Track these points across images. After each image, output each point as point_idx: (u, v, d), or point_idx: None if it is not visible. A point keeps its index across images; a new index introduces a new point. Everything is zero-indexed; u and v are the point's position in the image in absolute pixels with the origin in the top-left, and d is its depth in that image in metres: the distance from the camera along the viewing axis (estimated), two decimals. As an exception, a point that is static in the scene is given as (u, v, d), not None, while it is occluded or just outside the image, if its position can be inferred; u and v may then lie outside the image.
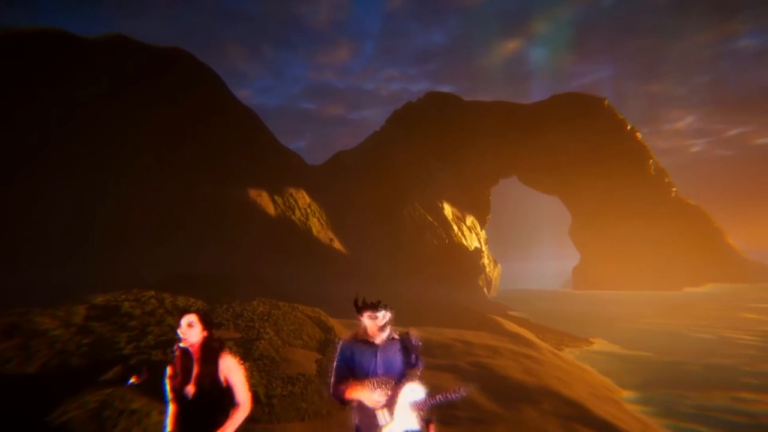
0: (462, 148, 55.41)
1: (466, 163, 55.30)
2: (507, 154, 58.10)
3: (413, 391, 2.79)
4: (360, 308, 3.03)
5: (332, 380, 2.91)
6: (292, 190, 38.13)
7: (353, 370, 2.89)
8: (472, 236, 53.25)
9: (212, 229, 30.38)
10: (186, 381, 2.97)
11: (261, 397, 8.33)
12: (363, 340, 2.97)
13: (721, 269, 55.17)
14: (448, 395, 2.86)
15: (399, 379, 2.85)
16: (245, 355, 9.72)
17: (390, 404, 2.74)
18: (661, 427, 12.29)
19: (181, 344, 2.95)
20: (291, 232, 34.51)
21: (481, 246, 54.16)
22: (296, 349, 12.17)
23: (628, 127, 61.63)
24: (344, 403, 2.86)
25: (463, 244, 49.03)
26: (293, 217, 35.80)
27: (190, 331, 2.97)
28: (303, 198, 38.68)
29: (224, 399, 2.95)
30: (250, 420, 3.01)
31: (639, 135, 62.57)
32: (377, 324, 2.96)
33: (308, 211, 37.95)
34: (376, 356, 2.90)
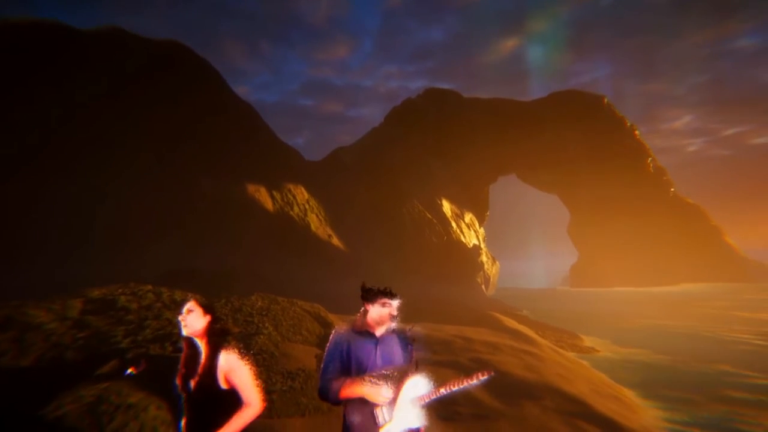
0: (461, 145, 55.26)
1: (465, 160, 55.16)
2: (506, 151, 57.99)
3: (416, 386, 2.60)
4: (373, 294, 2.80)
5: (320, 377, 2.66)
6: (291, 186, 37.92)
7: (348, 365, 2.66)
8: (471, 233, 53.17)
9: (211, 225, 30.17)
10: (191, 373, 2.80)
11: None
12: (362, 332, 2.76)
13: (719, 267, 55.31)
14: (452, 386, 2.68)
15: (400, 373, 2.65)
16: (243, 350, 9.58)
17: (391, 400, 2.55)
18: (663, 423, 12.21)
19: (185, 333, 2.78)
20: (289, 227, 34.32)
21: (479, 243, 54.09)
22: (295, 344, 12.03)
23: (628, 125, 61.62)
24: (336, 403, 2.61)
25: (462, 242, 48.95)
26: (291, 212, 35.60)
27: (191, 317, 2.78)
28: (301, 194, 38.48)
29: (224, 399, 2.73)
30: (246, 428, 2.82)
31: (638, 133, 62.60)
32: (390, 313, 2.76)
33: (307, 206, 37.76)
34: (375, 349, 2.70)
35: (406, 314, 3.11)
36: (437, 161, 53.38)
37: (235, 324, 12.34)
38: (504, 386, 12.00)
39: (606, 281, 57.64)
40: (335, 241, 37.84)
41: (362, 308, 2.83)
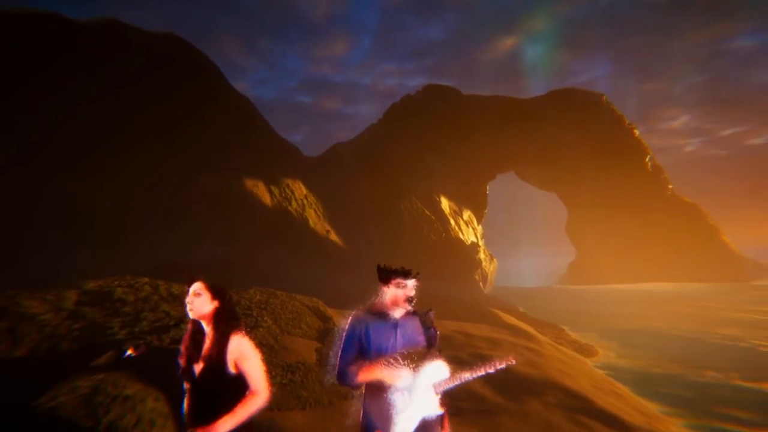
0: (460, 142, 55.10)
1: (463, 156, 55.02)
2: (505, 148, 57.86)
3: (437, 370, 2.46)
4: (387, 275, 2.66)
5: (339, 361, 2.54)
6: (289, 181, 37.68)
7: (366, 349, 2.54)
8: (469, 231, 53.11)
9: (209, 219, 29.93)
10: (194, 358, 2.62)
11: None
12: (380, 313, 2.63)
13: (716, 266, 55.46)
14: (475, 373, 2.49)
15: (420, 358, 2.51)
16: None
17: (410, 385, 2.41)
18: (665, 419, 12.13)
19: (191, 316, 2.59)
20: (287, 223, 34.09)
21: (477, 241, 54.05)
22: (295, 337, 11.86)
23: (626, 124, 61.61)
24: (354, 387, 2.51)
25: (460, 239, 48.86)
26: (290, 207, 35.37)
27: (198, 301, 2.59)
28: (300, 189, 38.25)
29: (233, 385, 2.57)
30: (252, 420, 2.65)
31: (636, 132, 62.60)
32: (406, 294, 2.61)
33: (305, 202, 37.53)
34: (395, 332, 2.57)
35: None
36: (436, 158, 53.21)
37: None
38: (505, 382, 11.87)
39: (603, 279, 57.75)
40: (333, 236, 37.66)
41: (379, 290, 2.70)
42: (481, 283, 49.28)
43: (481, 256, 53.16)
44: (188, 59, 39.06)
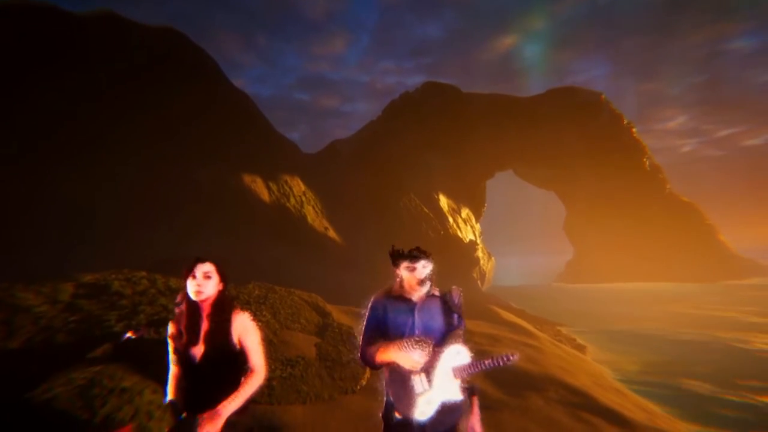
0: (459, 140, 55.02)
1: (462, 154, 54.95)
2: (503, 146, 57.84)
3: (457, 354, 2.39)
4: (396, 258, 2.66)
5: (361, 342, 2.58)
6: (287, 177, 37.50)
7: (386, 331, 2.54)
8: (467, 228, 53.07)
9: (206, 215, 29.75)
10: (193, 341, 2.51)
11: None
12: (398, 296, 2.62)
13: (713, 265, 55.63)
14: (497, 360, 2.40)
15: (439, 341, 2.45)
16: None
17: (429, 369, 2.35)
18: (665, 416, 12.08)
19: (197, 298, 2.49)
20: (285, 219, 33.93)
21: (475, 239, 54.03)
22: (294, 332, 11.75)
23: (625, 123, 61.65)
24: (375, 367, 2.52)
25: (459, 237, 48.81)
26: (288, 204, 35.20)
27: (207, 283, 2.50)
28: (298, 185, 38.08)
29: (237, 362, 2.50)
30: (250, 401, 2.58)
31: (635, 131, 62.65)
32: (416, 277, 2.56)
33: (303, 198, 37.37)
34: (413, 314, 2.55)
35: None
36: (435, 155, 53.11)
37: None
38: (506, 377, 11.80)
39: (601, 277, 57.89)
40: (332, 233, 37.52)
41: (394, 273, 2.70)
42: (479, 281, 49.26)
43: (479, 254, 53.14)
44: (187, 55, 38.79)
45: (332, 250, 35.84)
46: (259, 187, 34.21)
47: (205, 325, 2.50)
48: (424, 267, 2.60)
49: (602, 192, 59.05)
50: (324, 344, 11.22)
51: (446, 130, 54.91)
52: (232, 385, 2.44)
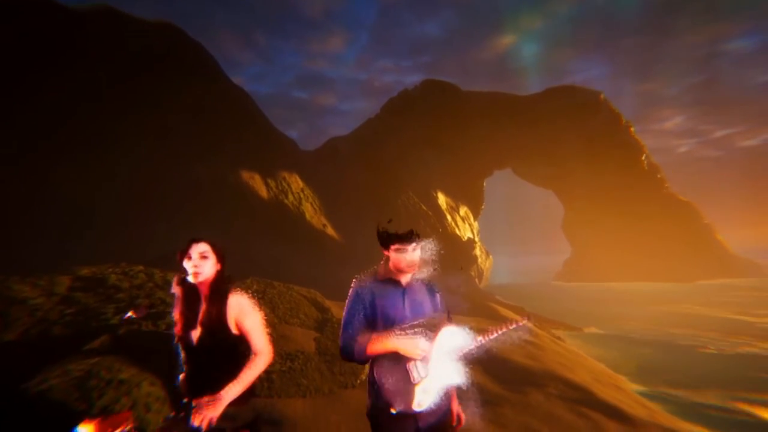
0: (457, 138, 54.96)
1: (461, 152, 54.89)
2: (502, 144, 57.80)
3: (452, 336, 2.27)
4: (385, 240, 2.46)
5: (342, 334, 2.34)
6: (285, 174, 37.36)
7: (374, 318, 2.34)
8: (466, 227, 53.04)
9: (204, 210, 29.61)
10: (191, 324, 2.42)
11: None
12: (386, 280, 2.44)
13: (711, 264, 55.80)
14: (507, 327, 2.31)
15: (432, 324, 2.34)
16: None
17: (426, 356, 2.23)
18: (665, 412, 12.05)
19: (194, 280, 2.39)
20: (284, 215, 33.82)
21: (473, 237, 54.01)
22: (293, 327, 11.66)
23: (623, 122, 61.69)
24: (363, 361, 2.31)
25: (457, 235, 48.79)
26: (286, 201, 35.08)
27: (204, 264, 2.39)
28: (296, 182, 37.95)
29: (234, 347, 2.38)
30: (253, 388, 2.49)
31: (633, 130, 62.69)
32: (406, 259, 2.39)
33: (301, 195, 37.24)
34: (403, 299, 2.39)
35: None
36: (433, 153, 53.04)
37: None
38: (506, 373, 11.75)
39: (598, 276, 57.99)
40: (330, 230, 37.42)
41: (383, 256, 2.54)
42: (476, 279, 49.25)
43: (477, 252, 53.14)
44: (186, 51, 38.55)
45: (330, 246, 35.75)
46: (257, 183, 34.07)
47: (203, 308, 2.41)
48: (414, 250, 2.44)
49: (600, 190, 59.12)
50: (323, 339, 11.14)
51: (445, 127, 54.83)
52: (230, 371, 2.32)
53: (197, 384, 2.32)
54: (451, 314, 2.55)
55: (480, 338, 2.28)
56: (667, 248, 56.28)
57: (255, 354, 2.38)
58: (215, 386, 2.25)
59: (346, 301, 2.43)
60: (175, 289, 2.47)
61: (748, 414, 12.69)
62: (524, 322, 2.41)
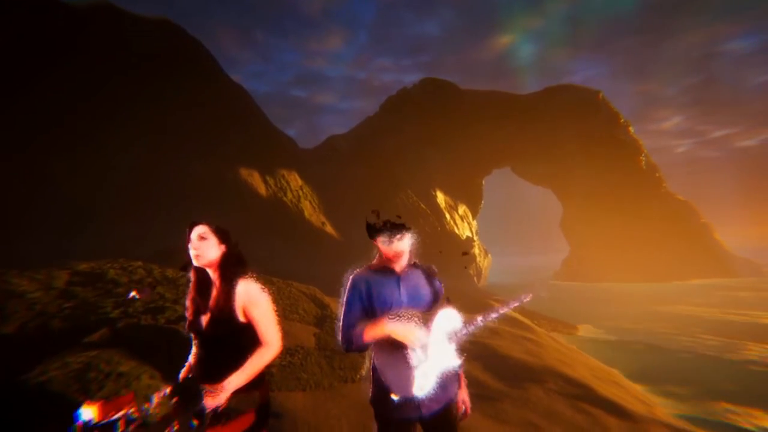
0: (456, 136, 54.95)
1: (460, 151, 54.88)
2: (501, 143, 57.82)
3: (449, 319, 2.26)
4: (372, 233, 2.48)
5: (342, 325, 2.34)
6: (284, 172, 37.30)
7: (371, 306, 2.36)
8: (464, 225, 53.06)
9: (204, 208, 29.51)
10: (201, 309, 2.37)
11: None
12: (380, 269, 2.47)
13: (709, 263, 55.93)
14: (509, 305, 2.31)
15: (428, 310, 2.35)
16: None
17: (424, 340, 2.21)
18: (664, 408, 12.06)
19: (197, 263, 2.34)
20: (283, 213, 33.76)
21: (472, 236, 54.03)
22: (293, 322, 11.64)
23: (622, 121, 61.75)
24: (362, 348, 2.30)
25: (456, 233, 48.79)
26: (285, 198, 35.02)
27: (204, 245, 2.32)
28: (295, 180, 37.88)
29: (242, 335, 2.32)
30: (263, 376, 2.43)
31: (631, 129, 62.78)
32: (394, 250, 2.40)
33: (300, 193, 37.19)
34: (398, 285, 2.40)
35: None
36: (432, 152, 53.02)
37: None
38: (506, 369, 11.75)
39: (596, 276, 58.03)
40: (329, 228, 37.37)
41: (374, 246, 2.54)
42: (475, 278, 49.28)
43: (476, 251, 53.17)
44: (185, 48, 38.45)
45: (329, 244, 35.70)
46: (256, 181, 34.00)
47: (213, 294, 2.37)
48: (400, 240, 2.43)
49: (599, 189, 59.18)
50: (323, 334, 11.11)
51: (444, 126, 54.82)
52: (237, 359, 2.26)
53: (205, 370, 2.28)
54: (447, 298, 2.54)
55: (480, 318, 2.25)
56: (666, 247, 56.40)
57: (263, 344, 2.28)
58: (222, 373, 2.21)
59: (345, 291, 2.43)
60: (189, 275, 2.44)
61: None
62: (522, 301, 2.41)
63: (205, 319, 2.33)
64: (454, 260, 44.97)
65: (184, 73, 35.98)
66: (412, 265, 2.51)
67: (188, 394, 2.24)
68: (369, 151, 48.91)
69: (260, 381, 2.38)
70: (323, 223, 37.22)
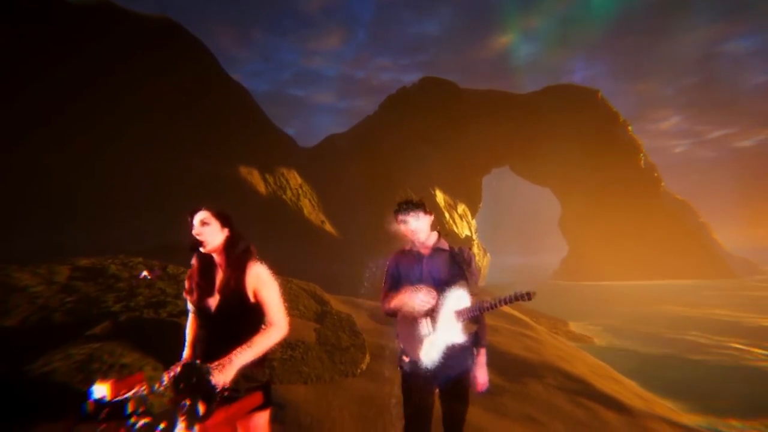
0: (456, 135, 55.01)
1: (459, 150, 54.95)
2: (500, 142, 57.92)
3: (459, 299, 2.55)
4: (394, 215, 2.81)
5: (382, 295, 2.78)
6: (284, 170, 37.32)
7: (399, 282, 2.73)
8: (464, 224, 53.15)
9: (202, 204, 29.56)
10: (207, 292, 2.42)
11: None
12: (409, 251, 2.81)
13: (707, 263, 56.14)
14: (509, 298, 2.43)
15: (443, 289, 2.57)
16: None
17: (433, 313, 2.53)
18: (663, 404, 12.14)
19: (203, 249, 2.39)
20: (282, 211, 33.80)
21: (471, 235, 54.11)
22: (293, 318, 11.64)
23: (621, 120, 61.91)
24: (391, 315, 2.72)
25: (455, 232, 48.86)
26: (284, 196, 35.05)
27: (207, 230, 2.37)
28: (294, 178, 37.91)
29: (252, 316, 2.36)
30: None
31: (630, 129, 62.94)
32: (409, 229, 2.70)
33: (300, 191, 37.22)
34: (420, 265, 2.71)
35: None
36: (432, 150, 53.08)
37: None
38: (505, 365, 11.80)
39: (595, 275, 58.18)
40: (328, 226, 37.41)
41: None
42: (471, 283, 49.32)
43: (475, 250, 53.26)
44: (184, 46, 38.44)
45: (328, 243, 35.74)
46: (255, 179, 34.03)
47: (219, 275, 2.42)
48: (414, 218, 2.71)
49: (597, 189, 59.34)
50: (323, 330, 11.16)
51: (443, 125, 54.88)
52: (246, 337, 2.32)
53: (212, 350, 2.32)
54: (470, 282, 2.72)
55: (487, 303, 2.50)
56: (664, 246, 56.57)
57: (270, 325, 2.35)
58: (229, 352, 2.25)
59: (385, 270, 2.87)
60: (192, 261, 2.49)
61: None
62: (531, 292, 2.53)
63: (213, 302, 2.38)
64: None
65: (183, 71, 35.98)
66: (440, 248, 2.76)
67: (195, 375, 2.28)
68: (368, 150, 48.96)
69: (263, 362, 2.44)
70: (322, 222, 37.26)
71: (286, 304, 2.53)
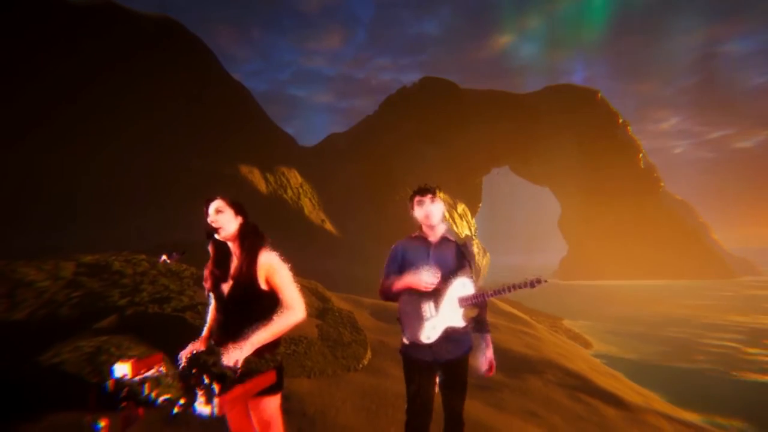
0: (455, 135, 55.12)
1: (459, 150, 55.06)
2: (499, 142, 58.03)
3: (463, 286, 2.62)
4: (410, 197, 2.86)
5: (382, 280, 2.76)
6: (284, 169, 37.41)
7: (403, 267, 2.73)
8: (463, 224, 53.25)
9: (201, 204, 29.62)
10: (222, 278, 2.52)
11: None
12: (416, 237, 2.85)
13: (706, 263, 56.27)
14: (515, 286, 2.53)
15: (449, 276, 2.64)
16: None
17: (437, 298, 2.58)
18: (661, 400, 12.25)
19: (219, 237, 2.49)
20: (282, 210, 33.89)
21: (471, 234, 54.21)
22: (295, 314, 11.77)
23: (620, 121, 62.04)
24: (392, 298, 2.71)
25: (455, 232, 48.93)
26: (285, 195, 35.14)
27: (221, 218, 2.47)
28: (295, 177, 38.00)
29: (265, 302, 2.41)
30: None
31: (630, 129, 63.07)
32: (425, 211, 2.75)
33: (300, 190, 37.31)
34: (428, 252, 2.75)
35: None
36: (432, 150, 53.19)
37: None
38: (505, 361, 11.90)
39: (594, 275, 58.32)
40: (328, 226, 37.51)
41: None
42: (474, 277, 49.50)
43: (475, 249, 53.38)
44: (184, 44, 38.48)
45: (328, 242, 35.84)
46: (256, 178, 34.11)
47: (235, 264, 2.50)
48: (432, 202, 2.78)
49: (597, 189, 59.46)
50: (325, 326, 11.27)
51: (443, 125, 54.98)
52: (261, 320, 2.40)
53: (226, 334, 2.42)
54: (473, 270, 2.82)
55: (490, 292, 2.62)
56: (663, 246, 56.71)
57: (286, 308, 2.39)
58: (245, 335, 2.34)
59: (388, 256, 2.87)
60: (209, 249, 2.59)
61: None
62: (538, 280, 2.62)
63: (226, 287, 2.48)
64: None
65: (184, 70, 36.05)
66: (446, 239, 2.83)
67: (211, 355, 2.39)
68: (368, 149, 49.06)
69: (277, 345, 2.53)
70: (322, 221, 37.36)
71: (300, 288, 2.60)
